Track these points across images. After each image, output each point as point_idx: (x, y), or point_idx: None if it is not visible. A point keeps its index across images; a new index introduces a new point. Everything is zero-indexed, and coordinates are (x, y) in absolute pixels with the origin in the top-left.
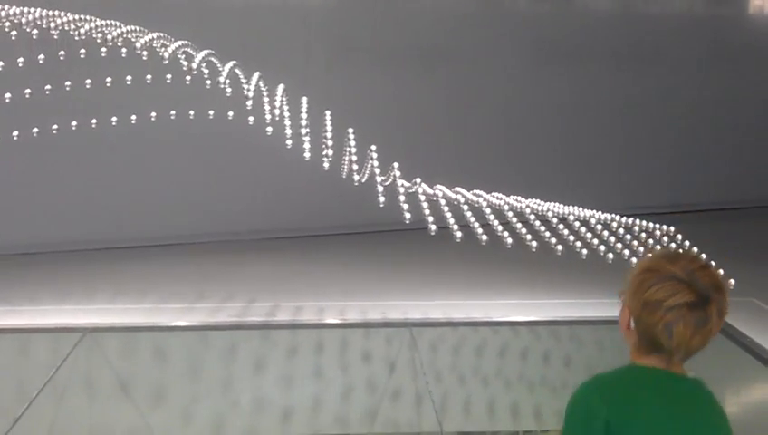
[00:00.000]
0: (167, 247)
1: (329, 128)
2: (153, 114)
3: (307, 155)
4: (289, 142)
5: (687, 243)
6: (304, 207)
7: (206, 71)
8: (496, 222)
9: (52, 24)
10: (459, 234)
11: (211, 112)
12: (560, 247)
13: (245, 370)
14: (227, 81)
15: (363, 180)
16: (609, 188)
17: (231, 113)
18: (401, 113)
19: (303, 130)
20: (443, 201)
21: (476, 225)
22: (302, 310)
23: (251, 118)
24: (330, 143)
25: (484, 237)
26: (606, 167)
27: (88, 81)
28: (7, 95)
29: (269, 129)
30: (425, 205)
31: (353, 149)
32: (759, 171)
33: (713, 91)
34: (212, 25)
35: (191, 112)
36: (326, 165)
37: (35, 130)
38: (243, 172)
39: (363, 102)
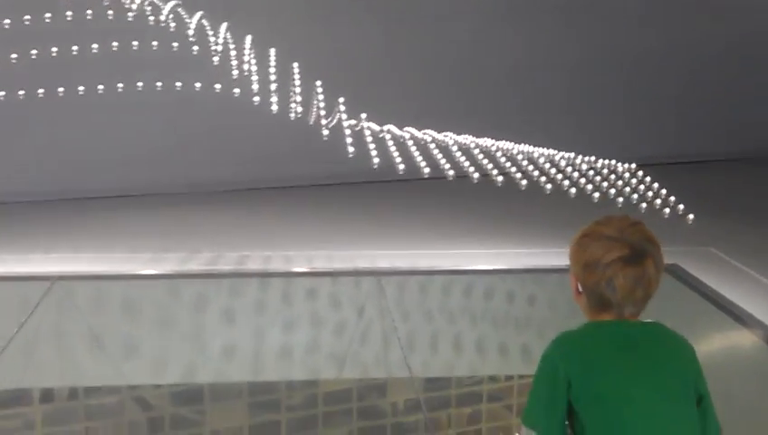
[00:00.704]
0: (130, 198)
1: (297, 81)
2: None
3: (275, 108)
4: (256, 99)
5: (649, 178)
6: (273, 159)
7: (173, 24)
8: (466, 162)
9: None
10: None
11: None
12: (524, 182)
13: (215, 318)
14: (194, 33)
15: (329, 128)
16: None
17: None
18: (376, 65)
19: (272, 84)
20: (410, 142)
21: (445, 165)
22: (270, 259)
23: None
24: (298, 97)
25: (451, 172)
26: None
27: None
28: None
29: (235, 90)
30: (393, 148)
31: (321, 102)
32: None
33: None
34: None
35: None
36: (292, 115)
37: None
38: (211, 124)
39: (333, 55)
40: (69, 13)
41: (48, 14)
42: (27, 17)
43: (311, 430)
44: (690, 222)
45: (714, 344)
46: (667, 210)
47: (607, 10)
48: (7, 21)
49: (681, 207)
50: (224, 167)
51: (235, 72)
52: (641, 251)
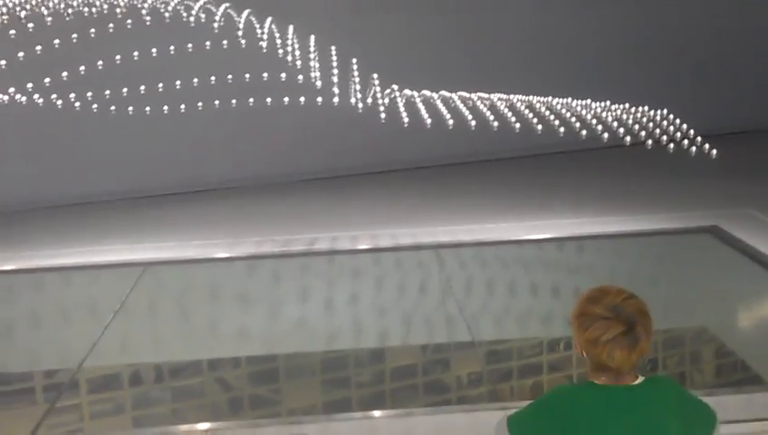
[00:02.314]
0: (204, 193)
1: (356, 73)
2: (177, 82)
3: (336, 100)
4: (319, 83)
5: (678, 120)
6: (326, 150)
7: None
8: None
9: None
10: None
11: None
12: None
13: (290, 293)
14: (243, 28)
15: (364, 102)
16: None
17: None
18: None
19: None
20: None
21: (469, 116)
22: (337, 240)
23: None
24: (356, 87)
25: (473, 123)
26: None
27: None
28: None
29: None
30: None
31: (377, 90)
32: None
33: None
34: None
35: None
36: (336, 100)
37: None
38: (266, 120)
39: (381, 44)
40: (128, 21)
41: (108, 25)
42: (74, 35)
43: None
44: (714, 157)
45: (755, 302)
46: (694, 148)
47: None
48: (56, 41)
49: (707, 145)
50: (282, 160)
51: (303, 71)
52: (634, 325)
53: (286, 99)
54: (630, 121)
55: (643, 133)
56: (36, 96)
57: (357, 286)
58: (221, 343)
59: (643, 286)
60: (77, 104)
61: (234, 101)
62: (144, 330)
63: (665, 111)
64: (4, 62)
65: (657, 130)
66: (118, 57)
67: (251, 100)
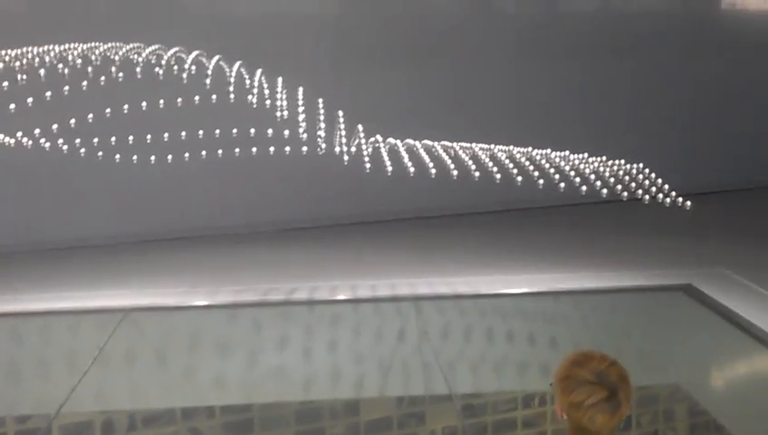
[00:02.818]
0: (188, 240)
1: (341, 126)
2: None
3: (322, 147)
4: (304, 136)
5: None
6: (310, 199)
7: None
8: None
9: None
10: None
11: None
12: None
13: (268, 342)
14: (233, 80)
15: (350, 152)
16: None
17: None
18: (399, 107)
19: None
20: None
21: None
22: (317, 289)
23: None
24: (343, 139)
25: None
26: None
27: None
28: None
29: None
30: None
31: (362, 140)
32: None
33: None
34: (228, 33)
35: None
36: (320, 151)
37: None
38: (252, 168)
39: (364, 97)
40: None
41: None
42: (102, 78)
43: None
44: (688, 208)
45: (728, 361)
46: (668, 200)
47: None
48: (48, 93)
49: (680, 199)
50: (263, 209)
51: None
52: (616, 390)
53: (272, 148)
54: (607, 174)
55: (619, 187)
56: (25, 140)
57: (334, 336)
58: (197, 391)
59: (616, 342)
60: (65, 148)
61: (220, 151)
62: (121, 377)
63: (641, 166)
64: None
65: (633, 184)
66: (108, 110)
67: (236, 150)
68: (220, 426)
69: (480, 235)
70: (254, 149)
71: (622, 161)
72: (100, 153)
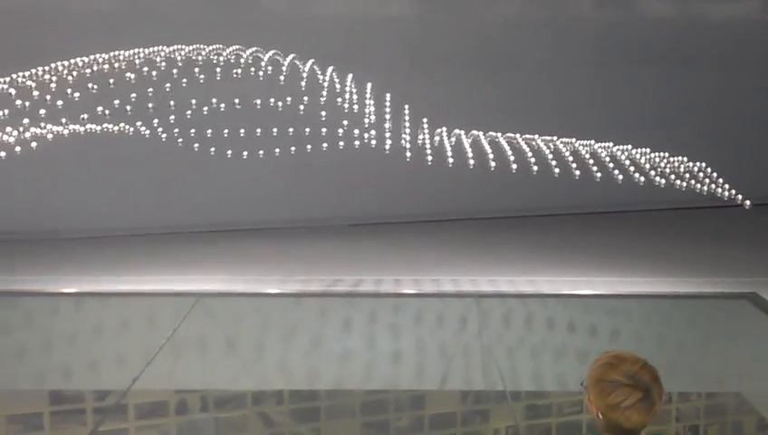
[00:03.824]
0: (256, 231)
1: (407, 121)
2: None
3: (388, 145)
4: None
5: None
6: (378, 196)
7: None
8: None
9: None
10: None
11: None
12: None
13: (334, 331)
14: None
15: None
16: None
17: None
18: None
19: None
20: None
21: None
22: (381, 283)
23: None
24: (408, 136)
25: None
26: None
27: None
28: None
29: (345, 122)
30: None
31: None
32: None
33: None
34: (308, 34)
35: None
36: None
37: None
38: (320, 165)
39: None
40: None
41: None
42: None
43: None
44: (747, 207)
45: None
46: (726, 194)
47: None
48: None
49: (740, 196)
50: (330, 203)
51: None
52: (650, 391)
53: (341, 144)
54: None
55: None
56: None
57: (397, 328)
58: (267, 376)
59: (679, 348)
60: (147, 134)
61: (293, 148)
62: (193, 359)
63: (703, 165)
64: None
65: (699, 185)
66: (192, 102)
67: (308, 146)
68: (288, 412)
69: (544, 237)
70: (324, 145)
71: (685, 159)
72: (180, 141)
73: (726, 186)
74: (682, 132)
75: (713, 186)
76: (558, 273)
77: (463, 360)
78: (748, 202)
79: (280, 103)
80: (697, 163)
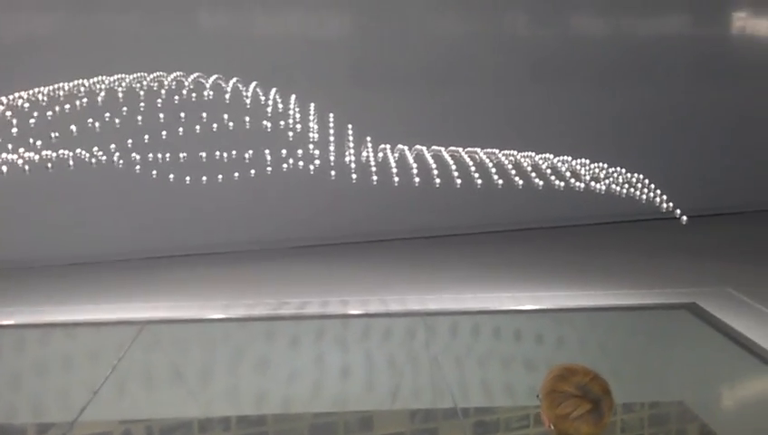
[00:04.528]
0: (201, 256)
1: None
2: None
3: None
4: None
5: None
6: (320, 218)
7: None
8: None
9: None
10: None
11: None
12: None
13: (281, 355)
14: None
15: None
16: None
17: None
18: (410, 129)
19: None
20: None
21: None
22: (327, 304)
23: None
24: (353, 157)
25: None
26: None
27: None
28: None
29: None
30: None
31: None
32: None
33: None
34: (244, 54)
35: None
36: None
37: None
38: (263, 187)
39: (376, 118)
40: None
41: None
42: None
43: None
44: (684, 222)
45: (732, 379)
46: (664, 206)
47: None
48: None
49: (678, 211)
50: (278, 226)
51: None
52: (599, 403)
53: (284, 166)
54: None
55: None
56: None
57: (345, 350)
58: (213, 401)
59: (621, 359)
60: (93, 160)
61: (236, 174)
62: (139, 387)
63: (641, 176)
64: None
65: (639, 194)
66: (145, 136)
67: (252, 171)
68: None
69: (487, 254)
70: (269, 169)
71: (623, 170)
72: (121, 164)
73: (664, 197)
74: (618, 145)
75: (651, 196)
76: (502, 289)
77: (412, 378)
78: (684, 218)
79: (221, 126)
80: (635, 175)
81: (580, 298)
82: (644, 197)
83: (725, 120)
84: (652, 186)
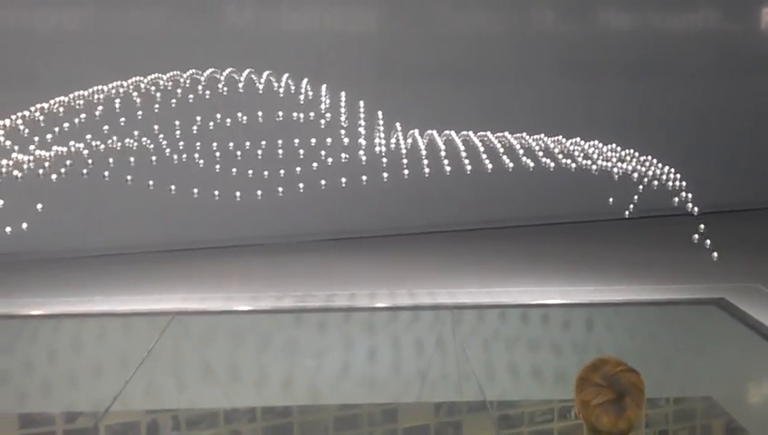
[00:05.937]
0: (229, 248)
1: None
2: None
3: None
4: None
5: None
6: (354, 211)
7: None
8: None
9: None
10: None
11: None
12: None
13: (307, 348)
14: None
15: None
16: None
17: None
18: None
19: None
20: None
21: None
22: (354, 297)
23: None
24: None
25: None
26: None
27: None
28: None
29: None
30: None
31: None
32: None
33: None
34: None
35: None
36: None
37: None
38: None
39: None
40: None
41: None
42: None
43: None
44: (696, 214)
45: (760, 374)
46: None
47: None
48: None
49: (696, 209)
50: (307, 219)
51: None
52: (623, 395)
53: (314, 164)
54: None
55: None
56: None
57: (370, 343)
58: (239, 392)
59: (650, 354)
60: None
61: (266, 172)
62: (168, 377)
63: (668, 169)
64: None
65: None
66: (177, 122)
67: (282, 171)
68: (260, 429)
69: (516, 248)
70: (298, 169)
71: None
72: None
73: (684, 194)
74: (643, 139)
75: (683, 194)
76: (531, 283)
77: (440, 371)
78: (696, 209)
79: (252, 119)
80: (665, 168)
81: (608, 293)
82: (678, 196)
83: (753, 115)
84: (678, 182)
